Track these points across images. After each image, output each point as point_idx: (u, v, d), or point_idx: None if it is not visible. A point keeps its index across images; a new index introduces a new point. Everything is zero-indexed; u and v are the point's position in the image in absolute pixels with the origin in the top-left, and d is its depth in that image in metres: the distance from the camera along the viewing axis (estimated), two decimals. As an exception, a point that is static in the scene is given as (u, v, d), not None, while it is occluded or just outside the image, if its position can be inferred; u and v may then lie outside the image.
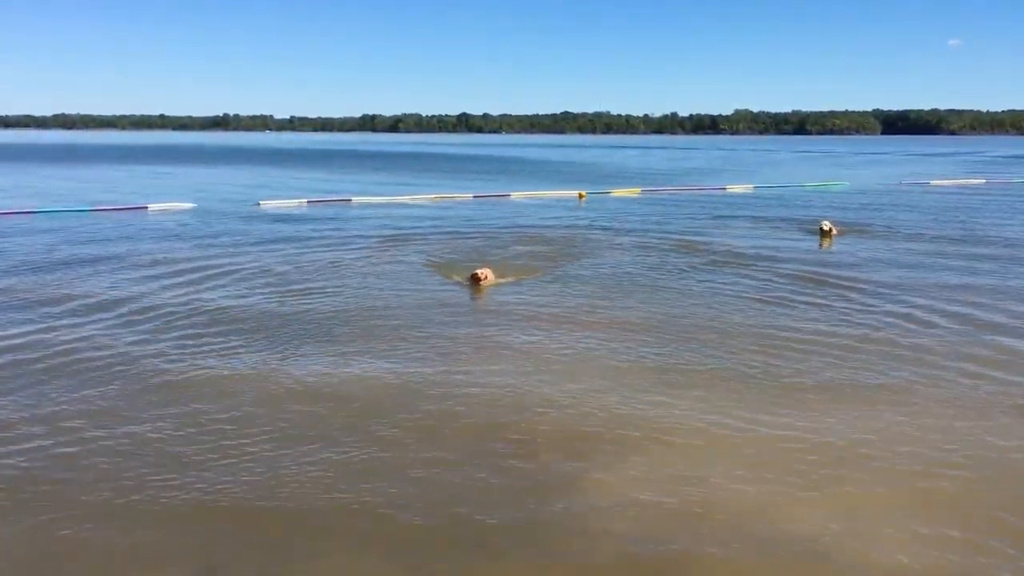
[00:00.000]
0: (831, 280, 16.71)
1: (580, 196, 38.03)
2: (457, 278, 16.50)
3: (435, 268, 17.96)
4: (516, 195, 38.96)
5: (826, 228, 23.30)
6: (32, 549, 6.39)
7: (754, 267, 18.37)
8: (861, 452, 8.18)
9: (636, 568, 6.20)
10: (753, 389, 10.03)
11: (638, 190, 42.71)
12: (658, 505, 7.09)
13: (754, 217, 29.23)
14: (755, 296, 15.20)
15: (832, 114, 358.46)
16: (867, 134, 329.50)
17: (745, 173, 62.59)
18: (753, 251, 20.69)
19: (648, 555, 6.36)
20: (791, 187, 46.62)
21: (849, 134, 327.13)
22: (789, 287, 16.06)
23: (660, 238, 23.24)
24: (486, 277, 15.78)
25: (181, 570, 6.13)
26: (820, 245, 22.15)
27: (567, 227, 25.92)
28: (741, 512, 6.99)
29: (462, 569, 6.20)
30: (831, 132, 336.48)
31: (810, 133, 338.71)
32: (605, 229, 25.43)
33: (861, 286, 16.11)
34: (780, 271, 17.80)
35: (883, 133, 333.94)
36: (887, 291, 15.66)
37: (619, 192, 41.33)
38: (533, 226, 26.14)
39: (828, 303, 14.61)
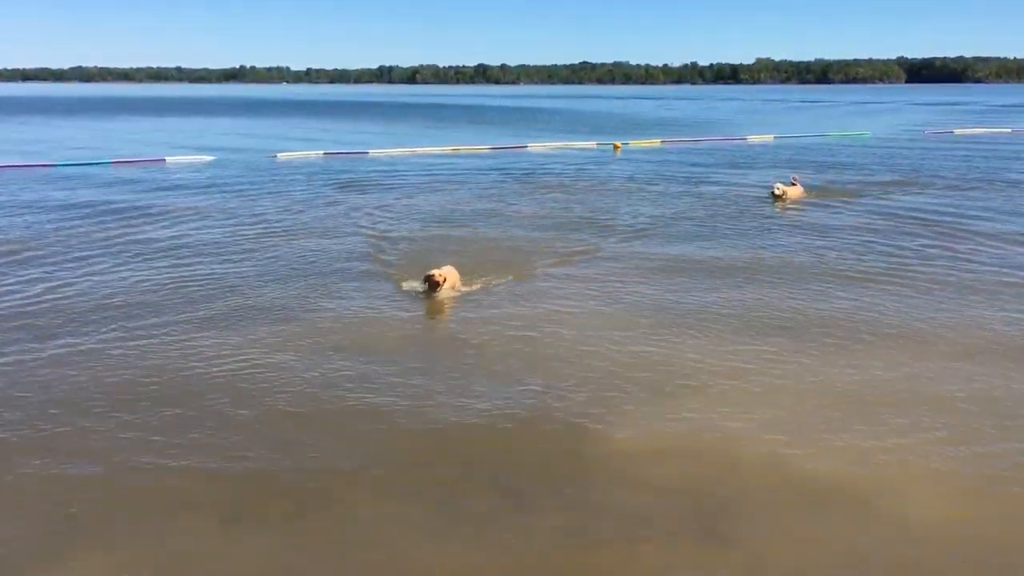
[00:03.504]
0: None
1: (616, 147, 37.65)
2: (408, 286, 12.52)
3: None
4: (533, 146, 38.65)
5: (779, 192, 20.46)
6: (60, 491, 6.52)
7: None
8: (909, 397, 8.19)
9: (679, 516, 6.22)
10: (789, 333, 10.03)
11: (659, 141, 42.24)
12: (697, 452, 7.12)
13: (783, 164, 28.88)
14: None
15: (855, 62, 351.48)
16: (891, 83, 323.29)
17: (766, 123, 61.70)
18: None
19: (690, 503, 6.38)
20: (813, 137, 45.95)
21: (873, 83, 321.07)
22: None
23: (685, 187, 23.05)
24: (444, 280, 11.90)
25: (208, 515, 6.22)
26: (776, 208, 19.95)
27: (596, 178, 25.74)
28: (781, 458, 7.01)
29: (493, 518, 6.24)
30: (854, 81, 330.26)
31: (832, 82, 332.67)
32: (635, 180, 25.24)
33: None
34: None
35: (907, 81, 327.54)
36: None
37: (639, 143, 40.87)
38: (556, 172, 25.98)
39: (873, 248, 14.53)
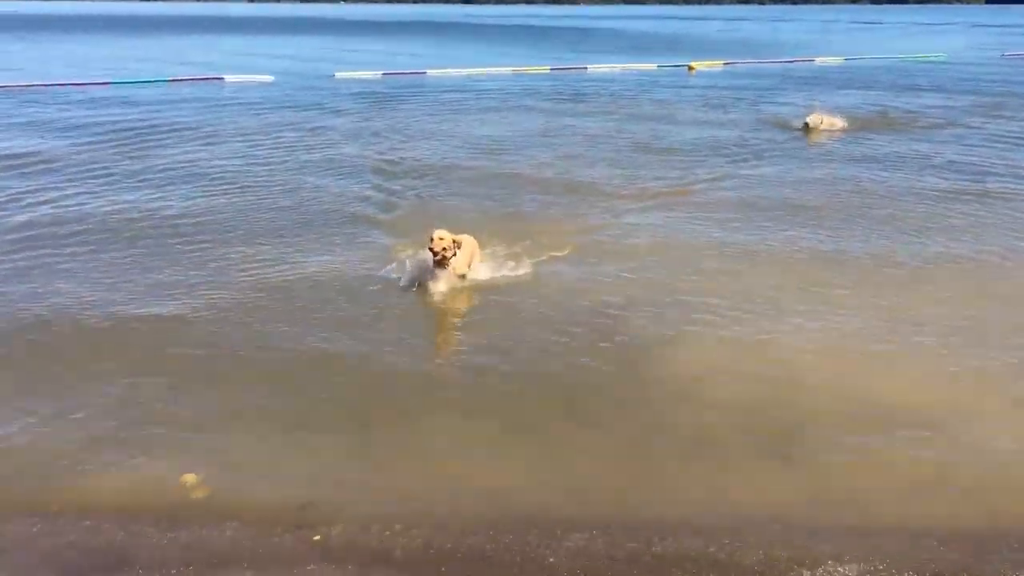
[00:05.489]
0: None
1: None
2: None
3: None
4: (594, 67, 37.79)
5: (812, 123, 19.19)
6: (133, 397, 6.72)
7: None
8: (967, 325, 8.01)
9: (741, 436, 6.20)
10: (859, 262, 9.87)
11: (721, 63, 40.97)
12: (762, 375, 7.07)
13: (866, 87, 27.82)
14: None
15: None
16: (968, 3, 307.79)
17: (835, 45, 59.32)
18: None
19: (753, 423, 6.36)
20: (884, 59, 44.08)
21: (950, 3, 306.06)
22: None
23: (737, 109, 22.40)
24: (454, 251, 8.61)
25: (272, 427, 6.35)
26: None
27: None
28: (849, 382, 6.94)
29: (556, 436, 6.27)
30: (930, 0, 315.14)
31: (907, 2, 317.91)
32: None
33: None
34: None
35: (987, 2, 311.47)
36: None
37: (700, 65, 39.67)
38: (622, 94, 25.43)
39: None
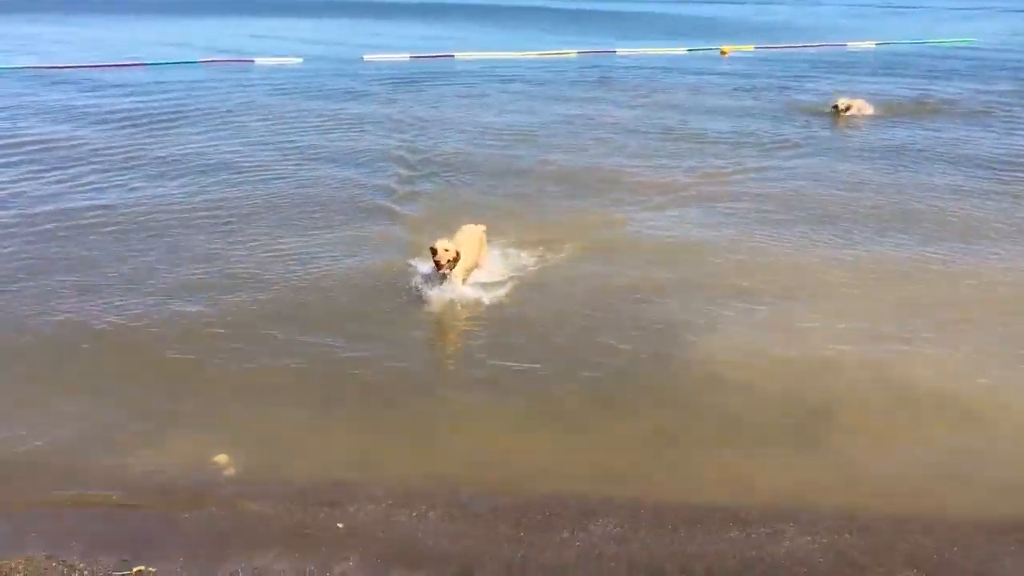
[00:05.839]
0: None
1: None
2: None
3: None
4: (622, 51, 37.50)
5: (842, 107, 18.83)
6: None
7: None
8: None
9: (770, 421, 6.22)
10: (892, 243, 9.96)
11: (751, 46, 40.48)
12: (792, 359, 7.08)
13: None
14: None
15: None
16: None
17: (867, 29, 58.40)
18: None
19: (783, 408, 6.38)
20: (918, 44, 43.34)
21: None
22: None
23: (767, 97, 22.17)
24: (453, 258, 8.27)
25: (300, 409, 6.43)
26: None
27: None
28: (881, 367, 6.95)
29: (583, 417, 6.30)
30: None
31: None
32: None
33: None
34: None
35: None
36: None
37: (730, 48, 39.22)
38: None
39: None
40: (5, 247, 9.71)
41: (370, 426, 6.22)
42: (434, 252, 8.14)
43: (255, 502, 5.29)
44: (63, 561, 4.74)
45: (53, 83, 23.47)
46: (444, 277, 8.20)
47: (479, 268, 8.80)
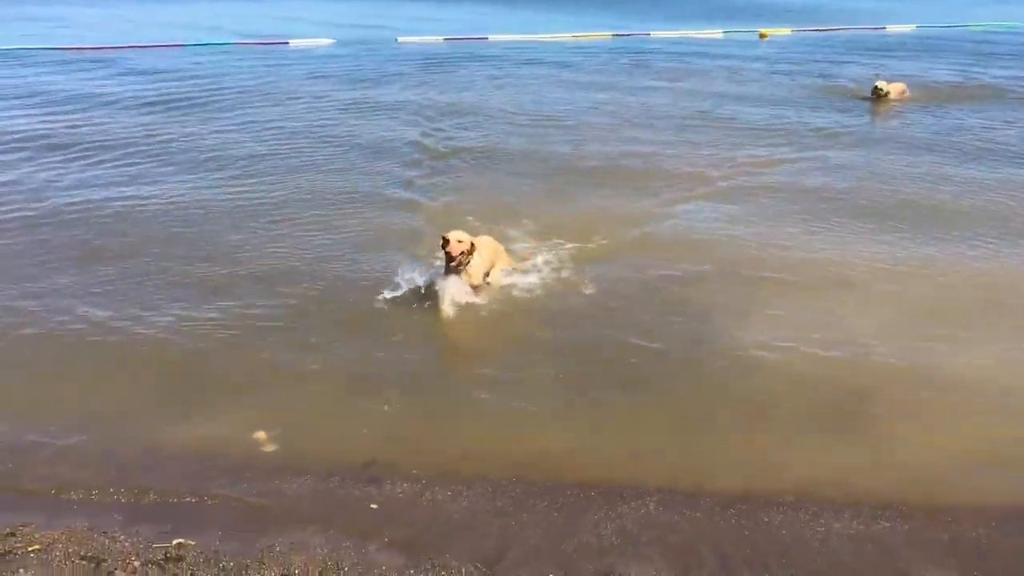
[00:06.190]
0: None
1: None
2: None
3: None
4: (657, 34, 37.14)
5: (882, 90, 18.35)
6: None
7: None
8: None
9: (813, 407, 6.20)
10: (932, 233, 9.85)
11: (789, 29, 39.90)
12: (827, 346, 7.01)
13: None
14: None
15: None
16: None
17: (907, 11, 57.35)
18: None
19: (823, 395, 6.34)
20: (959, 27, 42.42)
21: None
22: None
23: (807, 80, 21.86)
24: (467, 251, 7.59)
25: (337, 388, 6.50)
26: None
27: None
28: (918, 356, 6.88)
29: (613, 404, 6.30)
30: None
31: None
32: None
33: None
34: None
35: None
36: None
37: (767, 31, 38.69)
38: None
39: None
40: (38, 236, 9.70)
41: (405, 407, 6.27)
42: (446, 242, 7.42)
43: (293, 479, 5.36)
44: (104, 532, 4.84)
45: (91, 62, 23.72)
46: (456, 272, 7.52)
47: (490, 277, 8.04)
